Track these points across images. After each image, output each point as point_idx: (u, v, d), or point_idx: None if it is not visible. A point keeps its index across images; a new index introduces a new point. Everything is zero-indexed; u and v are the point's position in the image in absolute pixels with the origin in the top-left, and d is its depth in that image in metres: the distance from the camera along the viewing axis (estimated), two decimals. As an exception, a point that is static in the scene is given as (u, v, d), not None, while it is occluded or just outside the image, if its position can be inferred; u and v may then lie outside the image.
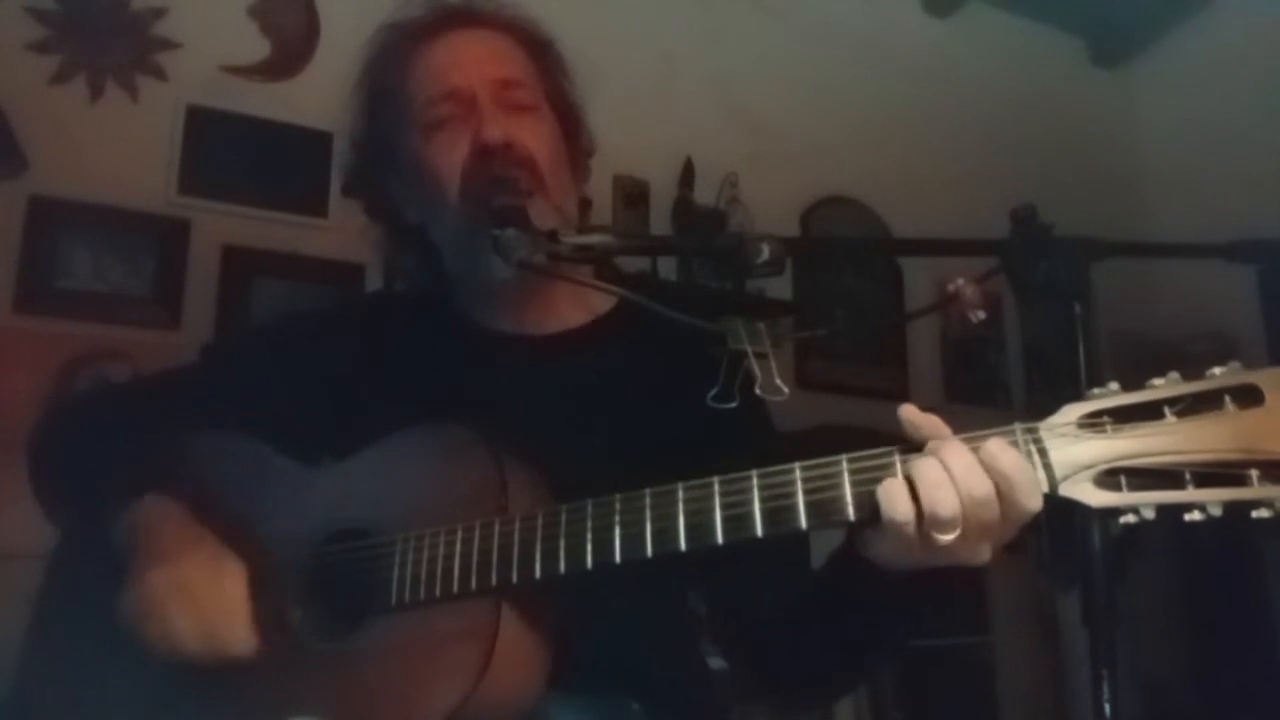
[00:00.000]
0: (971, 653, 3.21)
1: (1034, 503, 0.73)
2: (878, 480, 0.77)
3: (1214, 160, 3.62)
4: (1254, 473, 0.69)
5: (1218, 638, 3.37)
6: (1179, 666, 3.36)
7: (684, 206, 3.05)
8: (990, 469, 0.73)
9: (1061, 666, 3.26)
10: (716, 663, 1.19)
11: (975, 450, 0.75)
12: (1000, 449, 0.74)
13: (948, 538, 0.74)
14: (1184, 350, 3.32)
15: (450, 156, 1.13)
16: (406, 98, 1.18)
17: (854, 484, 0.78)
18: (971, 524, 0.74)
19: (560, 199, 1.15)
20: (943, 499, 0.73)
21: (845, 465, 0.78)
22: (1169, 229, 3.56)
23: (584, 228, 1.17)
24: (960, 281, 1.01)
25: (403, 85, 1.19)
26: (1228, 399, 0.71)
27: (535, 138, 1.15)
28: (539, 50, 1.25)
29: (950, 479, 0.73)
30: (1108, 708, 1.00)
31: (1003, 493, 0.73)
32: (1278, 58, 3.46)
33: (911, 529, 0.74)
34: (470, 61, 1.17)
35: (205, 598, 0.96)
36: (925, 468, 0.75)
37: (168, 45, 2.49)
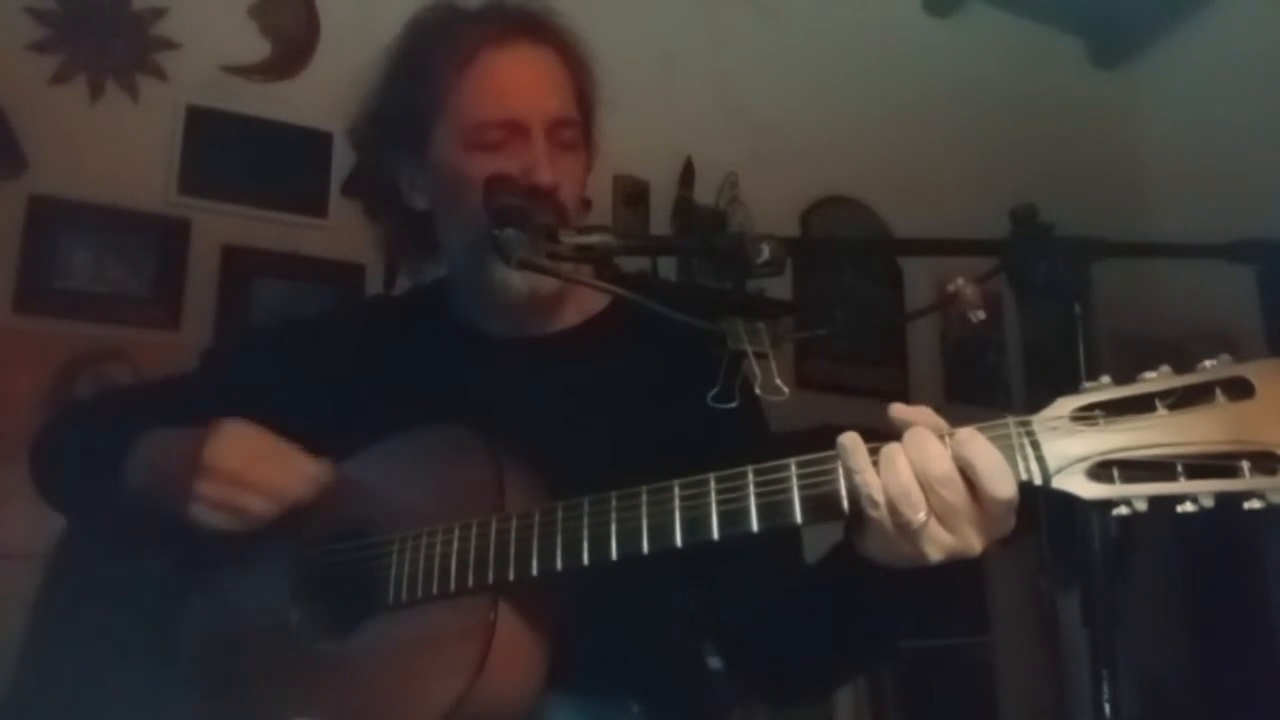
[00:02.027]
0: (971, 653, 3.21)
1: (1003, 489, 0.73)
2: None
3: (1214, 160, 3.62)
4: (1245, 464, 0.69)
5: (1218, 637, 3.37)
6: (1179, 666, 3.37)
7: (684, 206, 3.05)
8: (956, 455, 0.74)
9: (1061, 666, 3.26)
10: (716, 662, 1.19)
11: (944, 436, 0.75)
12: (968, 435, 0.74)
13: (913, 518, 0.74)
14: (1184, 350, 3.30)
15: None
16: (455, 104, 1.14)
17: (849, 478, 0.78)
18: (938, 506, 0.74)
19: (572, 221, 1.14)
20: (893, 477, 0.74)
21: (839, 460, 0.78)
22: (1169, 229, 3.56)
23: (584, 228, 1.17)
24: (960, 281, 1.01)
25: (453, 87, 1.15)
26: (1218, 391, 0.71)
27: (574, 181, 1.16)
28: (583, 74, 1.23)
29: (906, 458, 0.74)
30: (1108, 707, 1.00)
31: (969, 478, 0.74)
32: (1278, 58, 3.46)
33: (882, 512, 0.75)
34: (531, 91, 1.15)
35: (248, 468, 0.98)
36: (885, 450, 0.76)
37: (168, 45, 2.49)
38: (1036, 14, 3.99)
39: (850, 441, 0.76)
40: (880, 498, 0.75)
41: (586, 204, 1.28)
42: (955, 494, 0.74)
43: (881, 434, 0.78)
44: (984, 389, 3.60)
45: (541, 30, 1.19)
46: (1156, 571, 3.30)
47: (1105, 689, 1.00)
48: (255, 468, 0.98)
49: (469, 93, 1.14)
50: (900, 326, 3.52)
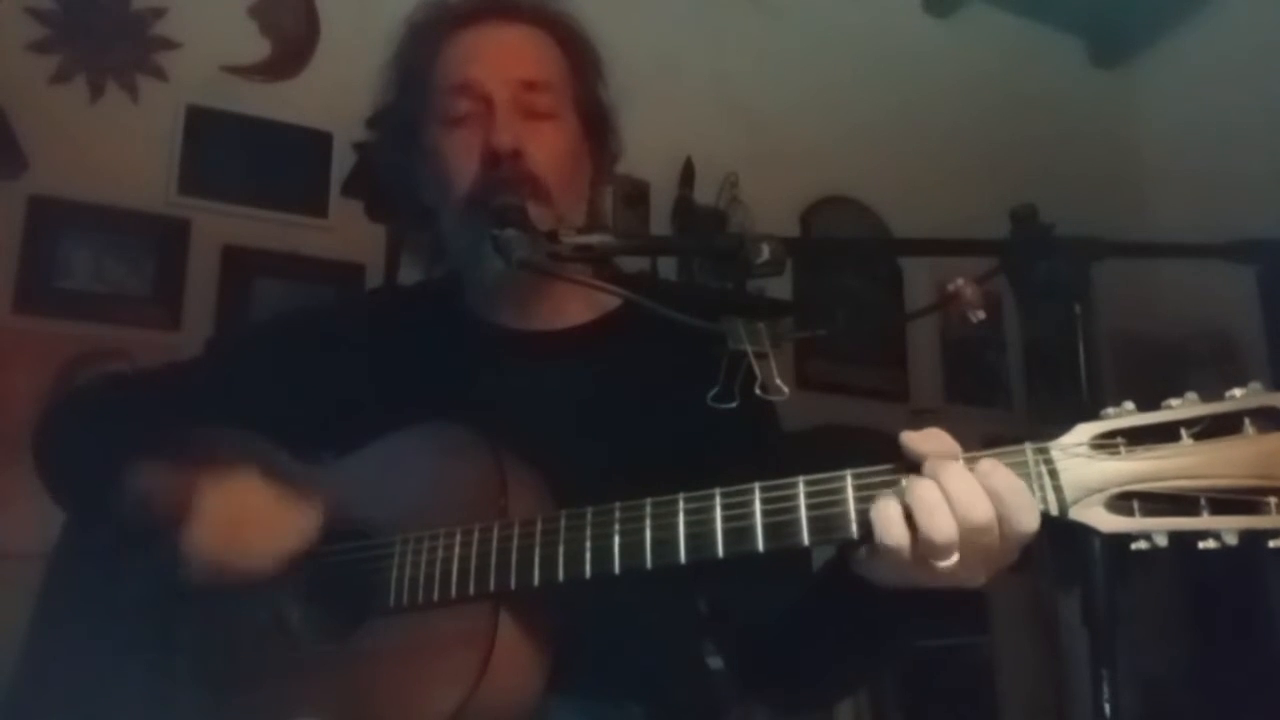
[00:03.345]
0: (971, 653, 3.20)
1: (1029, 524, 0.71)
2: None
3: (1214, 160, 3.62)
4: (1272, 500, 0.66)
5: (1218, 638, 3.37)
6: (1179, 666, 3.36)
7: (684, 206, 3.05)
8: (984, 487, 0.72)
9: (1061, 666, 3.26)
10: (716, 663, 1.19)
11: (972, 471, 0.72)
12: (992, 467, 0.72)
13: (945, 563, 0.72)
14: (1184, 350, 3.32)
15: (463, 159, 1.13)
16: (431, 83, 1.17)
17: (858, 500, 0.76)
18: (969, 549, 0.72)
19: (565, 208, 1.14)
20: (939, 525, 0.71)
21: (849, 481, 0.77)
22: (1169, 229, 3.56)
23: (584, 228, 1.17)
24: (960, 281, 1.01)
25: (430, 69, 1.18)
26: (1247, 421, 0.68)
27: (547, 149, 1.14)
28: (575, 50, 1.23)
29: (948, 503, 0.71)
30: (1108, 708, 1.00)
31: (997, 513, 0.71)
32: (1278, 58, 3.46)
33: (906, 554, 0.73)
34: (494, 56, 1.16)
35: (233, 541, 0.96)
36: (922, 490, 0.72)
37: (168, 45, 2.49)
38: (1036, 14, 3.99)
39: (889, 512, 0.73)
40: (904, 543, 0.72)
41: (593, 202, 1.27)
42: (990, 539, 0.72)
43: (883, 433, 0.78)
44: (984, 389, 3.59)
45: (519, 9, 1.20)
46: (1157, 571, 3.30)
47: (1105, 689, 1.00)
48: (244, 530, 0.96)
49: (439, 69, 1.17)
50: (900, 326, 3.51)
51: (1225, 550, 0.68)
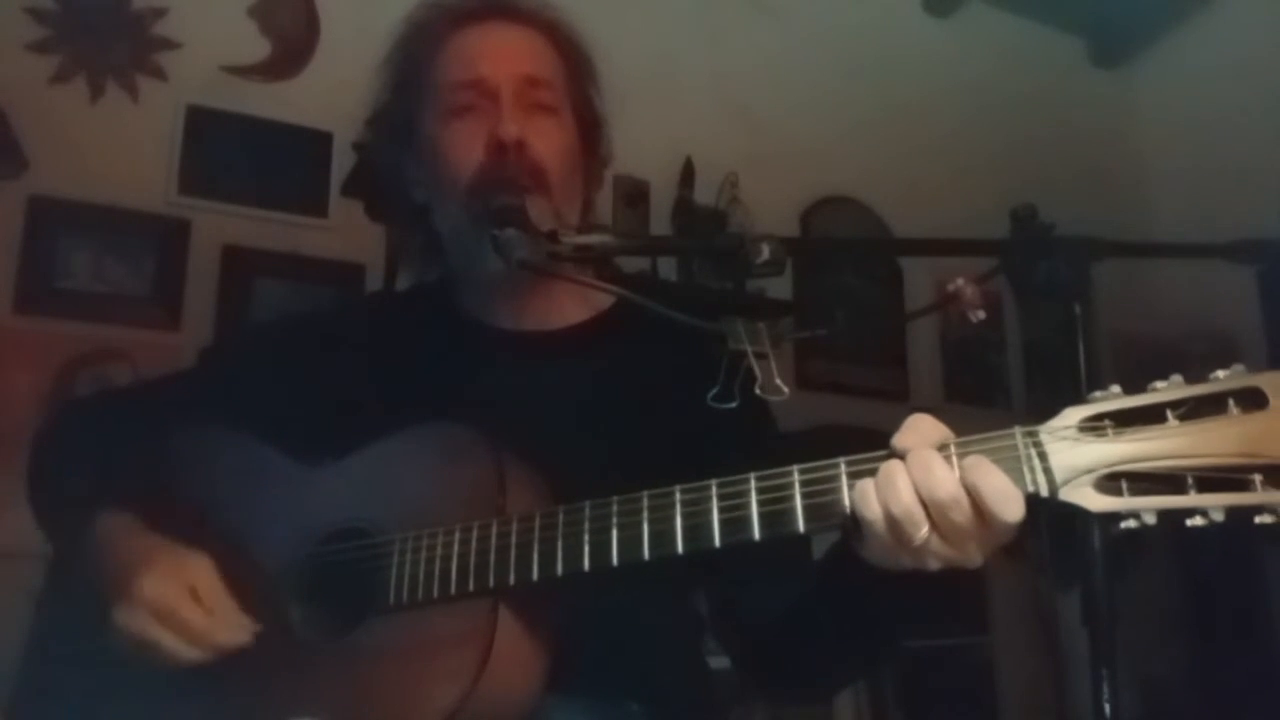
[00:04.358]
0: (971, 653, 3.21)
1: (1010, 514, 0.72)
2: None
3: (1214, 160, 3.62)
4: (1257, 477, 0.68)
5: (1218, 638, 3.37)
6: (1179, 666, 3.36)
7: (684, 206, 3.05)
8: (963, 480, 0.73)
9: (1061, 666, 3.26)
10: (717, 663, 1.19)
11: (949, 457, 0.74)
12: (976, 461, 0.73)
13: (915, 536, 0.73)
14: (1184, 350, 3.32)
15: (467, 147, 1.14)
16: (432, 78, 1.19)
17: (852, 487, 0.77)
18: (943, 526, 0.74)
19: (563, 204, 1.15)
20: (894, 497, 0.73)
21: (843, 468, 0.78)
22: (1169, 229, 3.56)
23: (584, 228, 1.17)
24: (960, 281, 1.01)
25: (431, 65, 1.20)
26: (1231, 402, 0.70)
27: (550, 142, 1.15)
28: (572, 55, 1.25)
29: (909, 479, 0.74)
30: (1108, 708, 1.00)
31: (975, 502, 0.73)
32: (1278, 58, 3.46)
33: (881, 527, 0.75)
34: (500, 53, 1.18)
35: (182, 606, 0.96)
36: (885, 468, 0.75)
37: (168, 45, 2.49)
38: (1036, 14, 3.99)
39: (864, 488, 0.76)
40: (878, 516, 0.74)
41: (587, 204, 1.28)
42: (961, 515, 0.73)
43: (883, 433, 0.78)
44: (984, 389, 3.59)
45: (518, 12, 1.22)
46: (1157, 572, 3.30)
47: (1105, 689, 1.00)
48: (184, 607, 0.96)
49: (442, 64, 1.18)
50: (900, 326, 3.51)
51: (1213, 527, 0.69)
